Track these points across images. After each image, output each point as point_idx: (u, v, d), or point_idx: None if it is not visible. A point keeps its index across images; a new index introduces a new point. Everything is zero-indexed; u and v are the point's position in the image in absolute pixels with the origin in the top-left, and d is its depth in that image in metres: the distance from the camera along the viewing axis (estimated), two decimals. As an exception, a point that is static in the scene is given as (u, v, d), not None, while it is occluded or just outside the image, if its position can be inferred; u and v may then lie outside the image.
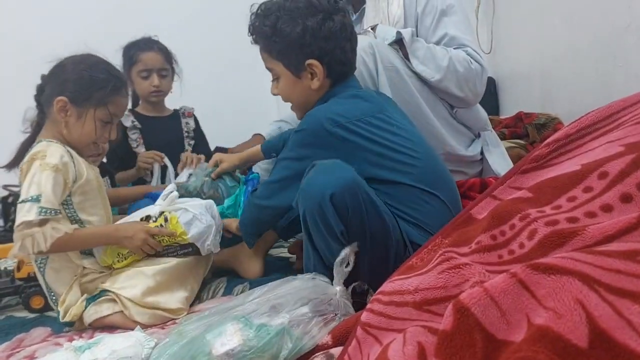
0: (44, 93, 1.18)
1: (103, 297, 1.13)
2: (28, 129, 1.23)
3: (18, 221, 1.05)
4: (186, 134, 1.87)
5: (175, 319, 1.14)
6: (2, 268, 1.41)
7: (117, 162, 1.72)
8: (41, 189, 1.07)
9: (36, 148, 1.13)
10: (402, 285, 0.66)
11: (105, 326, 1.12)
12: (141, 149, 1.76)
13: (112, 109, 1.21)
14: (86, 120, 1.18)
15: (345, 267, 0.87)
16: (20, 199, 1.08)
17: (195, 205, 1.25)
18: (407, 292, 0.65)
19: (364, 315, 0.69)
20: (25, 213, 1.05)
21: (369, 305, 0.70)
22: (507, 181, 0.72)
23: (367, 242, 0.93)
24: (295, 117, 1.26)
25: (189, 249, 1.22)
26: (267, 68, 1.18)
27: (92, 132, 1.19)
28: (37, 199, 1.06)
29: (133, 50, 1.74)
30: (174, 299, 1.15)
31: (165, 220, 1.20)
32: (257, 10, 1.14)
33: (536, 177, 0.69)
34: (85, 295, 1.13)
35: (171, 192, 1.25)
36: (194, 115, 1.91)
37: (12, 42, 2.24)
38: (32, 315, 1.28)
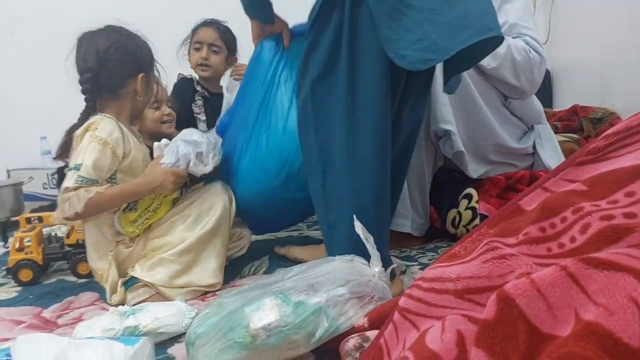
0: (102, 80, 1.19)
1: (138, 283, 1.16)
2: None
3: (61, 188, 1.11)
4: None
5: (213, 291, 1.16)
6: (53, 234, 1.48)
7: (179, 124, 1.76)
8: (83, 159, 1.11)
9: (91, 119, 1.17)
10: (444, 272, 0.65)
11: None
12: (202, 117, 1.82)
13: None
14: (151, 84, 1.28)
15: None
16: (68, 167, 1.13)
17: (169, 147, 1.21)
18: (448, 280, 0.63)
19: (402, 300, 0.69)
20: (66, 180, 1.11)
21: (407, 291, 0.69)
22: (560, 173, 0.69)
23: None
24: None
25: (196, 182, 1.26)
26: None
27: (153, 92, 1.31)
28: (77, 168, 1.11)
29: (194, 27, 1.82)
30: (206, 274, 1.17)
31: None
32: None
33: (592, 171, 0.65)
34: (121, 280, 1.16)
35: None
36: None
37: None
38: (81, 281, 1.34)
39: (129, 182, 1.17)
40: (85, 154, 1.11)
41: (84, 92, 1.20)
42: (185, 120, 1.76)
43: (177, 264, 1.15)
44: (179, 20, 1.85)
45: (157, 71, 1.31)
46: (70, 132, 1.22)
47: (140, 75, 1.23)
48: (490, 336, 0.48)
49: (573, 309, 0.46)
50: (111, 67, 1.19)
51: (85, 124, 1.16)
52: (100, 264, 1.18)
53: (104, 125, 1.15)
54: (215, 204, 1.21)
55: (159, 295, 1.14)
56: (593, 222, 0.54)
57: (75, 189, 1.09)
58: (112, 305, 1.15)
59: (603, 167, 0.63)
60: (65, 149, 1.22)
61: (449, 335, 0.55)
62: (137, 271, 1.16)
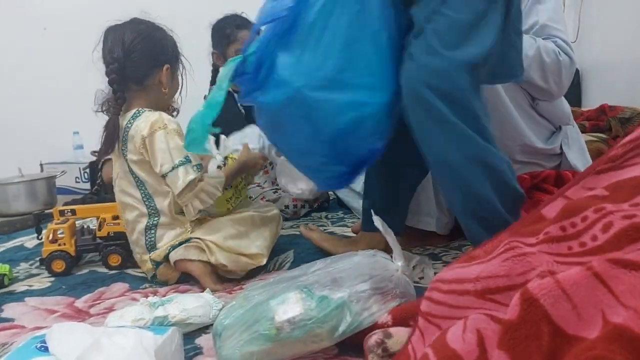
0: (128, 70, 1.21)
1: (192, 243, 1.21)
2: (99, 110, 1.28)
3: (182, 185, 1.15)
4: None
5: (255, 264, 1.23)
6: (85, 226, 1.53)
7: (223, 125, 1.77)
8: (183, 151, 1.17)
9: (149, 118, 1.19)
10: (462, 273, 0.65)
11: (179, 284, 1.23)
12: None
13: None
14: (175, 77, 1.31)
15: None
16: (169, 169, 1.16)
17: (246, 134, 1.41)
18: (467, 281, 0.63)
19: (424, 305, 0.68)
20: (185, 176, 1.16)
21: (427, 294, 0.69)
22: (581, 182, 0.69)
23: None
24: None
25: None
26: None
27: (178, 85, 1.33)
28: (187, 160, 1.17)
29: (230, 29, 1.77)
30: (254, 245, 1.24)
31: None
32: None
33: (611, 178, 0.65)
34: (170, 244, 1.21)
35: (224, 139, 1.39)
36: None
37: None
38: (112, 272, 1.37)
39: (230, 166, 1.33)
40: (180, 148, 1.17)
41: (110, 83, 1.22)
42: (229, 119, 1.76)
43: (233, 229, 1.24)
44: (207, 17, 1.86)
45: (183, 65, 1.34)
46: (107, 127, 1.24)
47: (165, 67, 1.25)
48: (512, 337, 0.49)
49: (600, 310, 0.46)
50: (137, 57, 1.21)
51: (149, 125, 1.18)
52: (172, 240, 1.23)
53: (168, 119, 1.21)
54: (271, 209, 1.37)
55: (203, 265, 1.18)
56: (615, 220, 0.54)
57: (202, 176, 1.19)
58: (146, 275, 1.26)
59: (622, 175, 0.63)
60: (109, 144, 1.24)
61: (470, 336, 0.55)
62: (194, 234, 1.23)
